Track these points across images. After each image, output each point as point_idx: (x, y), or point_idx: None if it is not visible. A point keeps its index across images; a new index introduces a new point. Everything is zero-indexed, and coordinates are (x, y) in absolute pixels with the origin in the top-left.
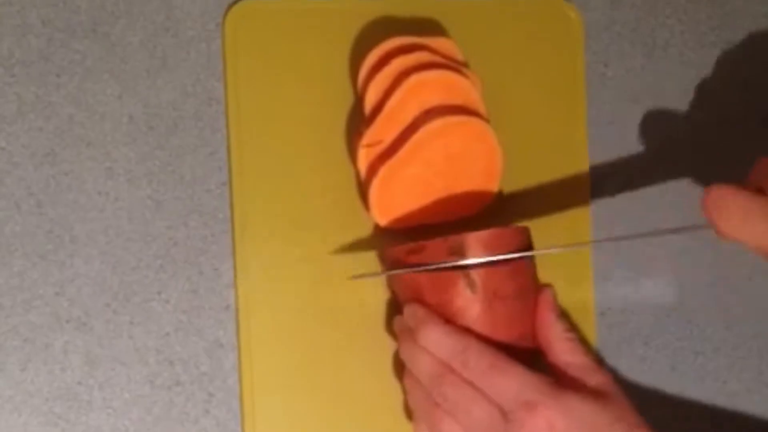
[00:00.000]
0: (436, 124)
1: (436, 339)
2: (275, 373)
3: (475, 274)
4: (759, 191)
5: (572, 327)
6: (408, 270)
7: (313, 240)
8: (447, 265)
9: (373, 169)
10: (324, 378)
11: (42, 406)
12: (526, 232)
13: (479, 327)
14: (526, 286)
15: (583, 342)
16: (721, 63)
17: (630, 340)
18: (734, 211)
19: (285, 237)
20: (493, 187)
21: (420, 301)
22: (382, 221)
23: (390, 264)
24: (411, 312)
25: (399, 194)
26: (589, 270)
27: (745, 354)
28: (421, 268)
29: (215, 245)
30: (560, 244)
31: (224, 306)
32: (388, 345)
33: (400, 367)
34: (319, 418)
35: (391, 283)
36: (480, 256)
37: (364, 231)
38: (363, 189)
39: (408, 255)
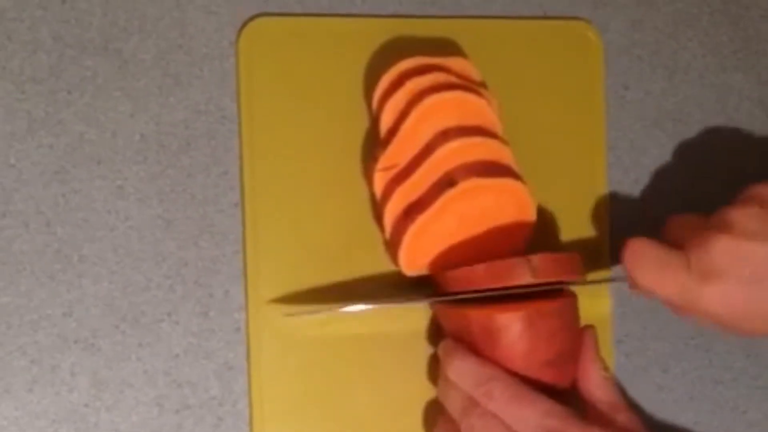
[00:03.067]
0: (454, 145)
1: (462, 370)
2: (285, 397)
3: (536, 260)
4: (674, 245)
5: (608, 368)
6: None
7: (326, 262)
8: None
9: (389, 190)
10: (335, 403)
11: (48, 428)
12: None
13: (522, 343)
14: (566, 306)
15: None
16: (743, 86)
17: (648, 368)
18: (650, 264)
19: (297, 258)
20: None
21: (465, 316)
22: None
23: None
24: (441, 347)
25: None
26: (607, 294)
27: (764, 383)
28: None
29: (226, 266)
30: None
31: (234, 328)
32: (400, 372)
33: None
34: None
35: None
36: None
37: (379, 253)
38: (378, 211)
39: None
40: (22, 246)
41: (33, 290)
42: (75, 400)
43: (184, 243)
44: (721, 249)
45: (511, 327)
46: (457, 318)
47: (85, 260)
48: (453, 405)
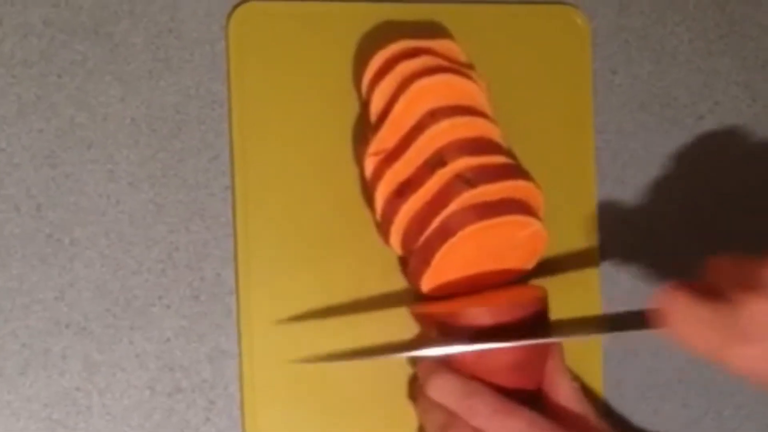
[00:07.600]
0: (443, 125)
1: (442, 387)
2: (277, 381)
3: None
4: (713, 292)
5: (576, 377)
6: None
7: (317, 245)
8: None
9: (379, 172)
10: (326, 387)
11: (40, 411)
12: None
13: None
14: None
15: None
16: (730, 70)
17: (637, 350)
18: (688, 318)
19: (288, 242)
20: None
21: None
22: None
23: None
24: (421, 367)
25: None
26: (596, 277)
27: None
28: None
29: (217, 250)
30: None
31: (226, 312)
32: (391, 356)
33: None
34: (321, 428)
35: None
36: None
37: (368, 236)
38: (369, 193)
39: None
40: (13, 230)
41: (24, 274)
42: (67, 383)
43: (176, 227)
44: (760, 312)
45: (479, 320)
46: (423, 318)
47: (77, 244)
48: (434, 423)
